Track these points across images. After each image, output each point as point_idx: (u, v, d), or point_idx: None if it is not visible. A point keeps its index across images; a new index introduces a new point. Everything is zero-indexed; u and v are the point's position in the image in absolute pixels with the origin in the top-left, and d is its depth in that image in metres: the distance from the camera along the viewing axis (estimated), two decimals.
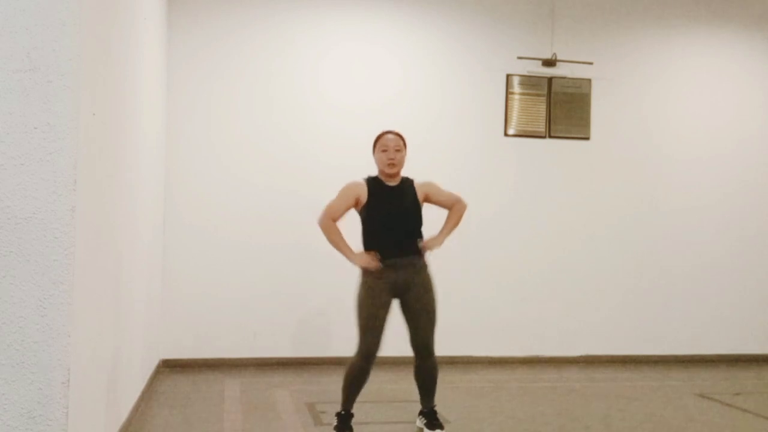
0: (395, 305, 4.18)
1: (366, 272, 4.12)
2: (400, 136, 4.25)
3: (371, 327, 4.06)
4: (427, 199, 4.27)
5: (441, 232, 4.26)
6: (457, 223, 4.32)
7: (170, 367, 6.04)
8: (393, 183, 4.22)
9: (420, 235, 4.22)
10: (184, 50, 6.18)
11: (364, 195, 4.16)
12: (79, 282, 2.69)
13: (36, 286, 2.54)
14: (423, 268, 4.20)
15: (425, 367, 4.23)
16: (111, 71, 3.41)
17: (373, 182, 4.22)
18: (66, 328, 2.57)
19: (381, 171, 4.23)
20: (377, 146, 4.23)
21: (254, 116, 6.29)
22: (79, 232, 2.67)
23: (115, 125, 3.59)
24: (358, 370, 4.12)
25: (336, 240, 4.10)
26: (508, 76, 6.70)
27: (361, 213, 4.21)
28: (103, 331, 3.39)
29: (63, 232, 2.56)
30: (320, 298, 6.25)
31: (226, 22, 6.26)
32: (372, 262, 4.07)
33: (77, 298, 2.67)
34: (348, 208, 4.19)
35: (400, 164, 4.20)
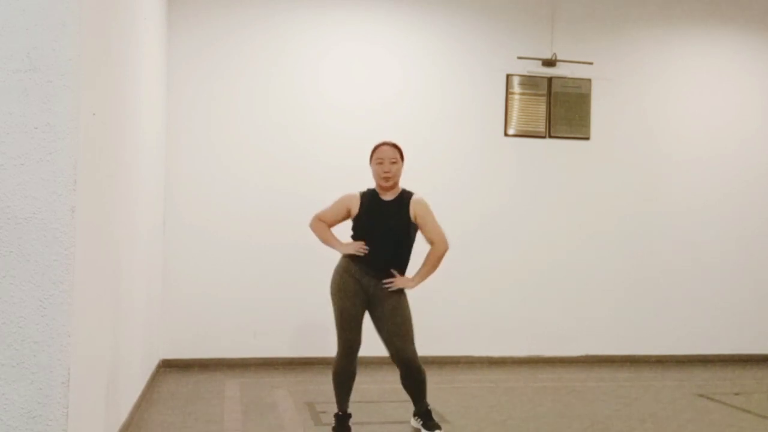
0: (368, 318, 4.18)
1: (337, 270, 4.18)
2: (397, 147, 4.21)
3: (344, 322, 4.11)
4: (415, 221, 4.19)
5: (417, 274, 4.19)
6: (432, 268, 4.19)
7: (170, 367, 6.04)
8: (389, 197, 4.19)
9: (406, 255, 4.19)
10: (184, 50, 6.18)
11: (355, 208, 4.18)
12: (79, 282, 2.69)
13: (36, 286, 2.54)
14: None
15: (407, 376, 4.18)
16: (111, 71, 3.41)
17: (368, 196, 4.21)
18: (66, 328, 2.57)
19: (377, 183, 4.21)
20: (373, 158, 4.20)
21: (254, 116, 6.29)
22: (79, 232, 2.67)
23: (115, 125, 3.59)
24: (341, 368, 4.16)
25: (324, 235, 4.25)
26: (508, 76, 6.70)
27: (352, 224, 4.25)
28: (103, 331, 3.39)
29: (63, 232, 2.56)
30: (320, 298, 6.20)
31: (226, 21, 6.26)
32: (359, 247, 4.10)
33: (77, 298, 2.67)
34: (338, 218, 4.26)
35: (395, 176, 4.17)
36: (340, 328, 4.14)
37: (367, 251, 4.09)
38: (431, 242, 4.19)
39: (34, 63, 2.54)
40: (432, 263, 4.18)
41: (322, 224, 4.26)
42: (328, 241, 4.24)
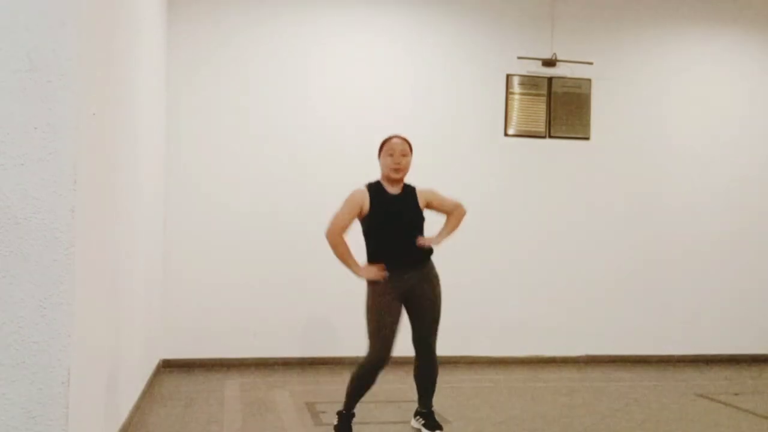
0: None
1: (374, 289, 4.10)
2: (407, 141, 4.20)
3: (381, 335, 4.03)
4: (429, 206, 4.24)
5: (439, 233, 4.25)
6: (455, 227, 4.30)
7: (170, 367, 6.04)
8: (395, 191, 4.18)
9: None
10: (184, 50, 6.17)
11: (366, 204, 4.12)
12: (79, 282, 2.69)
13: (36, 286, 2.54)
14: (429, 271, 4.18)
15: (425, 365, 4.21)
16: (111, 71, 3.41)
17: (375, 190, 4.17)
18: (66, 328, 2.57)
19: (385, 176, 4.18)
20: (383, 150, 4.18)
21: (254, 116, 6.28)
22: (79, 232, 2.67)
23: (115, 125, 3.59)
24: (367, 375, 4.10)
25: (343, 255, 4.08)
26: (508, 76, 6.70)
27: (363, 222, 4.17)
28: (103, 331, 3.39)
29: (63, 232, 2.56)
30: (320, 298, 6.24)
31: (226, 21, 6.26)
32: (378, 273, 4.05)
33: (77, 298, 2.67)
34: (354, 219, 4.15)
35: (405, 169, 4.16)
36: (375, 340, 4.05)
37: (386, 276, 4.04)
38: (455, 208, 4.29)
39: (34, 63, 2.54)
40: (455, 222, 4.28)
41: (343, 241, 4.07)
42: (346, 261, 4.09)
